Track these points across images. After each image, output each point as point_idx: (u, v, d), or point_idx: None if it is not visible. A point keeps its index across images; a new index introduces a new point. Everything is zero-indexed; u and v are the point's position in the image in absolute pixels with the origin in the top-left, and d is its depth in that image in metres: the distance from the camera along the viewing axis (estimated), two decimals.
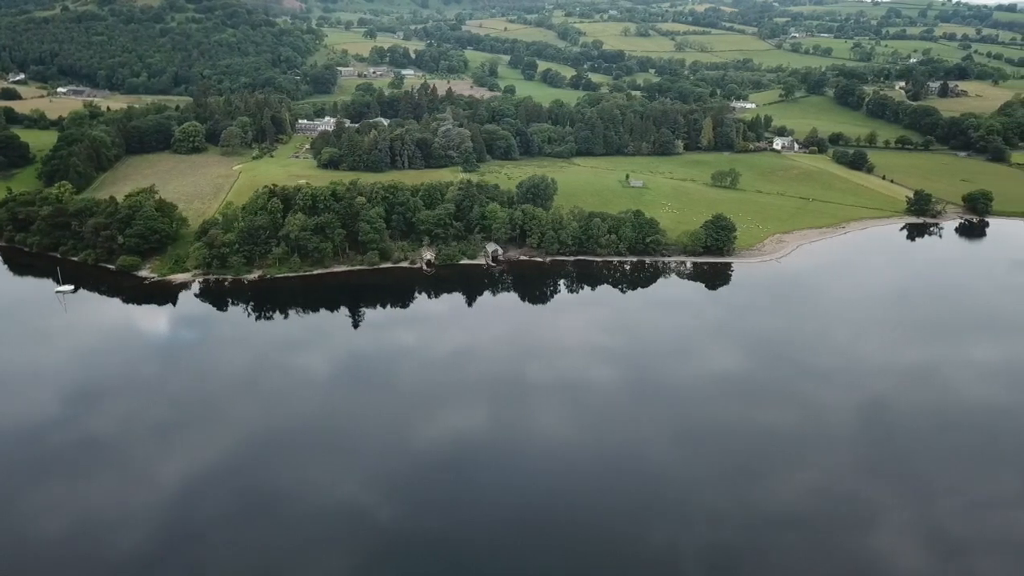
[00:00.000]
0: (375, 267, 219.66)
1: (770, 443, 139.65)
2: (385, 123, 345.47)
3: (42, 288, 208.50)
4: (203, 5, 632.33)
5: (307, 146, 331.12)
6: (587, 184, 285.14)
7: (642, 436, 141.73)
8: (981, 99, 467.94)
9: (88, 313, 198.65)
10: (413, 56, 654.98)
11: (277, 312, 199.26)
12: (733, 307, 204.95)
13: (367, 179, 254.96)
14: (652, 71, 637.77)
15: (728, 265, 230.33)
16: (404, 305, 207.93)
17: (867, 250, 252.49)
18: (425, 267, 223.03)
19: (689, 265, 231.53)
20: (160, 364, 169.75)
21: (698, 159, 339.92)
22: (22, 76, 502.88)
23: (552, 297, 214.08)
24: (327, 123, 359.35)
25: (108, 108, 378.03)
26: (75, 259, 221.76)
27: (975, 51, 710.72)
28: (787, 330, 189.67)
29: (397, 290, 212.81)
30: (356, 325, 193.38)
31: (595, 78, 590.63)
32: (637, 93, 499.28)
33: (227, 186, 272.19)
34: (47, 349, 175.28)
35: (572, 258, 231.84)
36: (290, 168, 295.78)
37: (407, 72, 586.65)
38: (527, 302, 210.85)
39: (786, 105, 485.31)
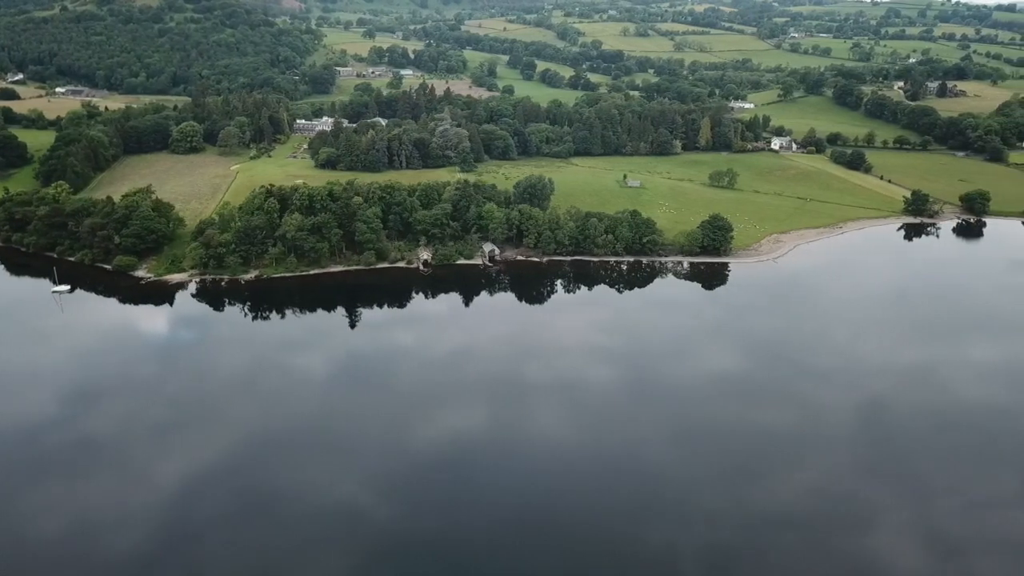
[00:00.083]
0: (372, 267, 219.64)
1: (768, 443, 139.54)
2: (383, 123, 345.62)
3: (38, 288, 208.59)
4: (202, 5, 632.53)
5: (305, 146, 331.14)
6: (585, 184, 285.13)
7: (640, 436, 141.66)
8: (980, 99, 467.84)
9: (84, 313, 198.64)
10: (412, 56, 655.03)
11: (274, 312, 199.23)
12: (730, 307, 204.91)
13: (364, 179, 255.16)
14: (651, 71, 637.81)
15: (725, 265, 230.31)
16: (401, 305, 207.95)
17: (864, 250, 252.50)
18: (422, 267, 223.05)
19: (686, 265, 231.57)
20: (157, 364, 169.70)
21: (696, 159, 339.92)
22: (21, 76, 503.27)
23: (549, 297, 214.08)
24: (325, 123, 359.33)
25: (106, 108, 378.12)
26: (72, 259, 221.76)
27: (974, 51, 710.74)
28: (784, 330, 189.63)
29: (394, 290, 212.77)
30: (353, 325, 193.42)
31: (594, 78, 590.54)
32: (635, 93, 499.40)
33: (224, 186, 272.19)
34: (43, 349, 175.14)
35: (569, 258, 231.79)
36: (288, 168, 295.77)
37: (406, 72, 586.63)
38: (524, 302, 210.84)
39: (784, 105, 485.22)
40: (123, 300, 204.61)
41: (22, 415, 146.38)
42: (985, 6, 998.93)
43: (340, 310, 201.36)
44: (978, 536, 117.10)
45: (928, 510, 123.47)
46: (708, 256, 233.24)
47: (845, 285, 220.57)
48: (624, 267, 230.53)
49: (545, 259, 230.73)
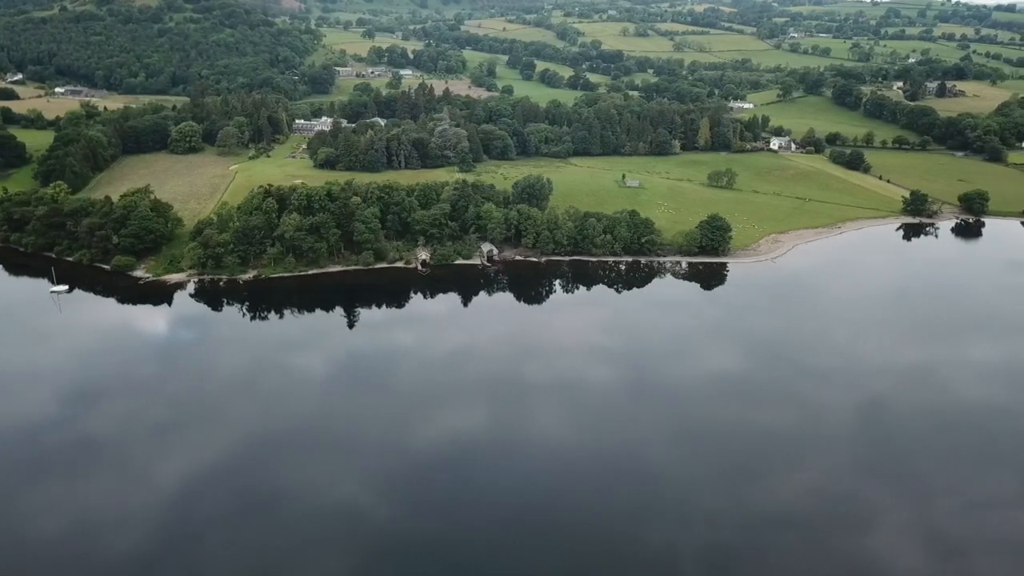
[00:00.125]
0: (370, 267, 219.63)
1: (768, 443, 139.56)
2: (382, 123, 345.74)
3: (36, 288, 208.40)
4: (201, 5, 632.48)
5: (304, 146, 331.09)
6: (583, 184, 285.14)
7: (640, 436, 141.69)
8: (979, 99, 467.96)
9: (82, 313, 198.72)
10: (411, 56, 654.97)
11: (272, 312, 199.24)
12: (728, 307, 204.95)
13: (363, 179, 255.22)
14: (650, 71, 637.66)
15: (723, 265, 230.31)
16: (399, 305, 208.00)
17: (862, 250, 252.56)
18: (420, 267, 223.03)
19: (684, 265, 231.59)
20: (155, 364, 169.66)
21: (695, 159, 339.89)
22: (20, 76, 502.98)
23: (547, 297, 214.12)
24: (324, 123, 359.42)
25: (105, 108, 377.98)
26: (70, 259, 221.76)
27: (974, 51, 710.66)
28: (782, 330, 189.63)
29: (392, 290, 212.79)
30: (351, 325, 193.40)
31: (593, 78, 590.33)
32: (635, 93, 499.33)
33: (223, 186, 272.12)
34: (40, 349, 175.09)
35: (567, 258, 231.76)
36: (286, 168, 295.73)
37: (405, 72, 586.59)
38: (522, 302, 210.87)
39: (784, 105, 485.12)
40: (121, 300, 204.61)
41: (20, 415, 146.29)
42: (985, 6, 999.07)
43: (338, 310, 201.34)
44: (978, 536, 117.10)
45: (928, 510, 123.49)
46: (706, 256, 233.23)
47: (843, 285, 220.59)
48: (622, 267, 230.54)
49: (543, 259, 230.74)
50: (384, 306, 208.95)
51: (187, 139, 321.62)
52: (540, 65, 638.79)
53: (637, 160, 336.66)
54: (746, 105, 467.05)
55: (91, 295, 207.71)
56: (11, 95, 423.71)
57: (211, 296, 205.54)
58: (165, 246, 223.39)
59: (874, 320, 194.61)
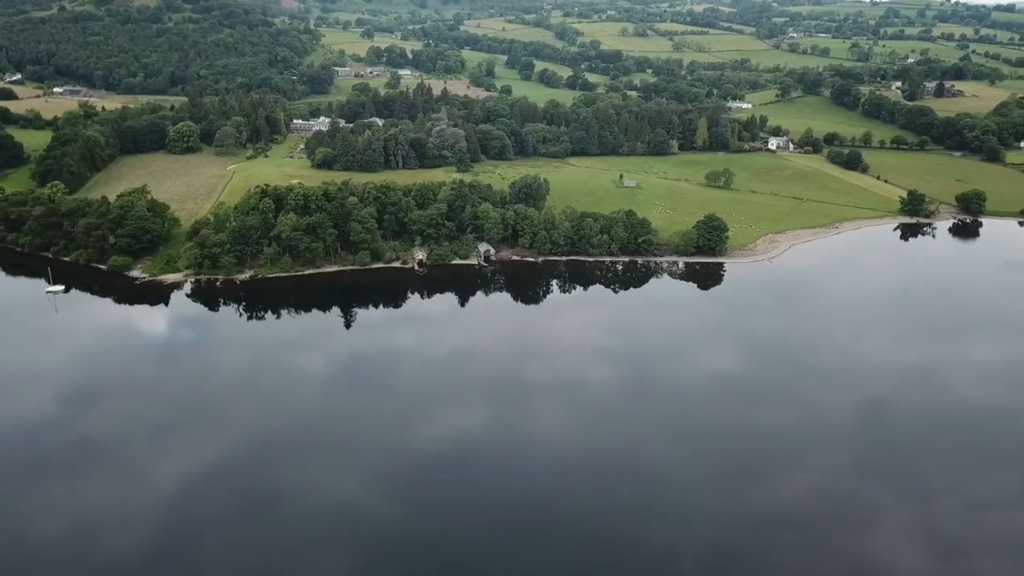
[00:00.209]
0: (367, 267, 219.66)
1: (768, 443, 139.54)
2: (380, 123, 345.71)
3: (33, 288, 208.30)
4: (200, 5, 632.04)
5: (302, 146, 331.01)
6: (581, 184, 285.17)
7: (640, 436, 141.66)
8: (977, 99, 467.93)
9: (78, 313, 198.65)
10: (410, 56, 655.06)
11: (269, 312, 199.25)
12: (725, 307, 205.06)
13: (360, 179, 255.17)
14: (649, 71, 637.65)
15: (720, 265, 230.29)
16: (396, 305, 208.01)
17: (859, 250, 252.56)
18: (417, 267, 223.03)
19: (681, 265, 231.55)
20: (151, 364, 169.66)
21: (693, 159, 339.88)
22: (19, 76, 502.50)
23: (544, 297, 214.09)
24: (322, 123, 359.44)
25: (103, 108, 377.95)
26: (67, 259, 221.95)
27: (973, 51, 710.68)
28: (779, 329, 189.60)
29: (389, 290, 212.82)
30: (348, 325, 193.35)
31: (592, 78, 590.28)
32: (633, 93, 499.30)
33: (221, 186, 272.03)
34: (37, 349, 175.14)
35: (564, 258, 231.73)
36: (284, 168, 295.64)
37: (404, 72, 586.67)
38: (519, 302, 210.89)
39: (782, 105, 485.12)
40: (118, 300, 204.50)
41: (16, 415, 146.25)
42: (984, 6, 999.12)
43: (335, 310, 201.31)
44: (978, 536, 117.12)
45: (929, 510, 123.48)
46: (703, 256, 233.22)
47: (840, 285, 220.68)
48: (619, 267, 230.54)
49: (540, 259, 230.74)
50: (381, 306, 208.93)
51: (185, 139, 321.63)
52: (539, 65, 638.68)
53: (635, 160, 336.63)
54: (744, 105, 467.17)
55: (87, 295, 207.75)
56: (9, 95, 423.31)
57: (208, 296, 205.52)
58: (162, 246, 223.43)
59: (872, 320, 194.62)
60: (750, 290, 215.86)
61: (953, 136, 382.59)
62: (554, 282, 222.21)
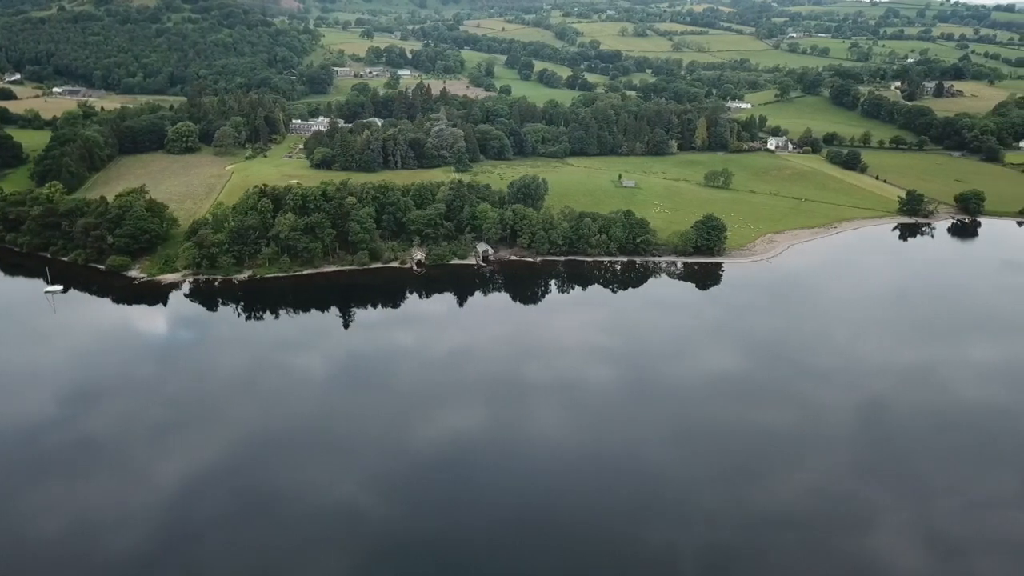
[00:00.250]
0: (365, 267, 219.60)
1: (767, 443, 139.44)
2: (379, 123, 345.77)
3: (31, 288, 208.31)
4: (199, 5, 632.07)
5: (300, 146, 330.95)
6: (579, 184, 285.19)
7: (639, 436, 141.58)
8: (976, 99, 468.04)
9: (77, 313, 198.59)
10: (410, 56, 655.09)
11: (267, 312, 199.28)
12: (723, 307, 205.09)
13: (359, 179, 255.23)
14: (649, 71, 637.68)
15: (718, 265, 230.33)
16: (395, 305, 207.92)
17: (858, 250, 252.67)
18: (415, 267, 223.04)
19: (679, 265, 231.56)
20: (150, 364, 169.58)
21: (691, 159, 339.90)
22: (18, 76, 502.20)
23: (543, 297, 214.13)
24: (321, 123, 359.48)
25: (102, 108, 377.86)
26: (65, 259, 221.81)
27: (972, 51, 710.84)
28: (778, 329, 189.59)
29: (387, 290, 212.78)
30: (347, 325, 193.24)
31: (591, 78, 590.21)
32: (632, 93, 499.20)
33: (219, 186, 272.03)
34: (35, 349, 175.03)
35: (562, 258, 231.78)
36: (283, 168, 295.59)
37: (403, 72, 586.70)
38: (518, 302, 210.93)
39: (781, 105, 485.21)
40: (116, 300, 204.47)
41: (14, 415, 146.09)
42: (984, 6, 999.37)
43: (334, 310, 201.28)
44: (978, 536, 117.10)
45: (928, 510, 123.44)
46: (702, 256, 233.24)
47: (839, 285, 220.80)
48: (618, 267, 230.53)
49: (539, 259, 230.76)
50: (379, 306, 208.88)
51: (184, 139, 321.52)
52: (538, 65, 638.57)
53: (634, 160, 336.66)
54: (744, 105, 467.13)
55: (86, 295, 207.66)
56: (9, 95, 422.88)
57: (206, 296, 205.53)
58: (160, 246, 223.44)
59: (870, 320, 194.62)
60: (748, 290, 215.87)
61: (952, 136, 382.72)
62: (552, 282, 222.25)
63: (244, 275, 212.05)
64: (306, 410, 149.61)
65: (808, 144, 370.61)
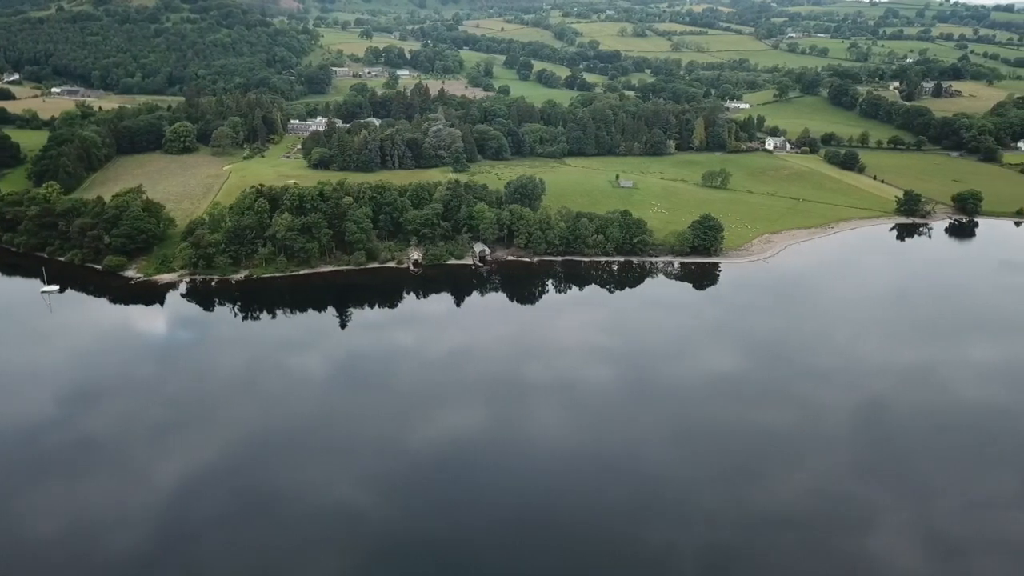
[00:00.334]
0: (362, 267, 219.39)
1: (767, 443, 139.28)
2: (377, 123, 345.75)
3: (28, 288, 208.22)
4: (198, 5, 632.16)
5: (298, 146, 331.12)
6: (577, 184, 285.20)
7: (639, 436, 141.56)
8: (975, 99, 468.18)
9: (73, 313, 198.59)
10: (408, 56, 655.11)
11: (264, 312, 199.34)
12: (720, 307, 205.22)
13: (356, 179, 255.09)
14: (648, 71, 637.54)
15: (715, 265, 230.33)
16: (392, 305, 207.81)
17: (855, 250, 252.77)
18: (412, 267, 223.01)
19: (676, 265, 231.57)
20: (146, 364, 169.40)
21: (689, 159, 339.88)
22: (16, 76, 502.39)
23: (540, 297, 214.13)
24: (319, 123, 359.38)
25: (100, 108, 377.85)
26: (62, 259, 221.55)
27: (972, 51, 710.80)
28: (775, 329, 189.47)
29: (384, 290, 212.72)
30: (344, 325, 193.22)
31: (590, 78, 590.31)
32: (631, 93, 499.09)
33: (217, 186, 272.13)
34: (31, 350, 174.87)
35: (560, 258, 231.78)
36: (280, 168, 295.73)
37: (402, 72, 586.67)
38: (515, 302, 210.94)
39: (780, 105, 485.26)
40: (112, 300, 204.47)
41: (11, 415, 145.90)
42: (983, 6, 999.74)
43: (331, 310, 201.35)
44: (978, 536, 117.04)
45: (928, 510, 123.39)
46: (699, 256, 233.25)
47: (835, 285, 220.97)
48: (615, 267, 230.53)
49: (536, 259, 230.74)
50: (376, 306, 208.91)
51: (181, 139, 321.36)
52: (537, 65, 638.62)
53: (632, 160, 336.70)
54: (742, 105, 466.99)
55: (82, 295, 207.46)
56: (7, 95, 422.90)
57: (203, 296, 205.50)
58: (157, 246, 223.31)
59: (868, 319, 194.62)
60: (745, 290, 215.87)
61: (950, 136, 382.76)
62: (549, 282, 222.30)
63: (241, 275, 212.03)
64: (304, 410, 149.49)
65: (806, 144, 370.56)
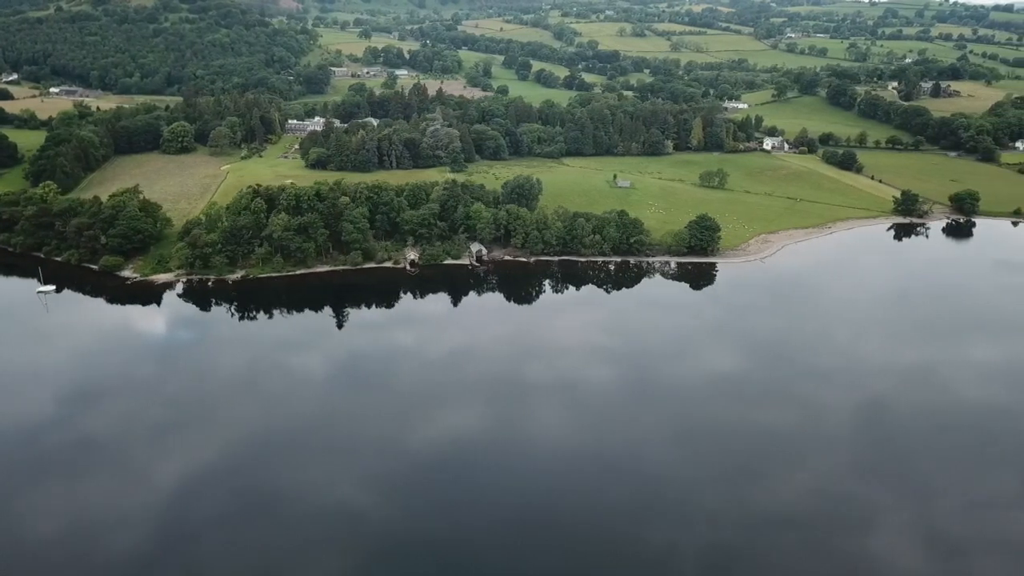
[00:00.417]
0: (358, 267, 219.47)
1: (766, 443, 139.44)
2: (374, 123, 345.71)
3: (24, 288, 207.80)
4: (197, 5, 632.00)
5: (296, 146, 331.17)
6: (574, 184, 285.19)
7: (639, 436, 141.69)
8: (973, 99, 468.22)
9: (69, 313, 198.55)
10: (407, 56, 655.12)
11: (261, 312, 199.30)
12: (716, 306, 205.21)
13: (353, 179, 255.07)
14: (647, 71, 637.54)
15: (712, 265, 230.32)
16: (388, 305, 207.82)
17: (852, 250, 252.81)
18: (409, 267, 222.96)
19: (673, 265, 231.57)
20: (142, 364, 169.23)
21: (687, 159, 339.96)
22: (15, 76, 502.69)
23: (537, 297, 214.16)
24: (317, 123, 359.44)
25: (98, 108, 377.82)
26: (58, 259, 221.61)
27: (971, 51, 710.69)
28: (772, 329, 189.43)
29: (381, 290, 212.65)
30: (340, 325, 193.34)
31: (589, 78, 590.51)
32: (629, 93, 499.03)
33: (214, 186, 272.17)
34: (27, 349, 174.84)
35: (556, 258, 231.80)
36: (278, 168, 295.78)
37: (401, 72, 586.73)
38: (512, 302, 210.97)
39: (778, 105, 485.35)
40: (109, 300, 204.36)
41: (8, 415, 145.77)
42: (983, 6, 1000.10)
43: (327, 310, 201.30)
44: (978, 536, 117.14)
45: (929, 510, 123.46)
46: (695, 256, 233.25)
47: (831, 284, 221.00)
48: (611, 267, 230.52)
49: (532, 259, 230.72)
50: (373, 306, 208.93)
51: (179, 139, 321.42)
52: (536, 65, 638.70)
53: (630, 160, 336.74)
54: (741, 105, 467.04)
55: (79, 295, 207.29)
56: (5, 95, 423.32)
57: (199, 296, 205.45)
58: (153, 246, 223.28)
59: (865, 319, 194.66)
60: (743, 290, 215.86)
61: (948, 136, 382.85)
62: (546, 282, 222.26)
63: (237, 275, 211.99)
64: (302, 410, 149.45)
65: (804, 144, 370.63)
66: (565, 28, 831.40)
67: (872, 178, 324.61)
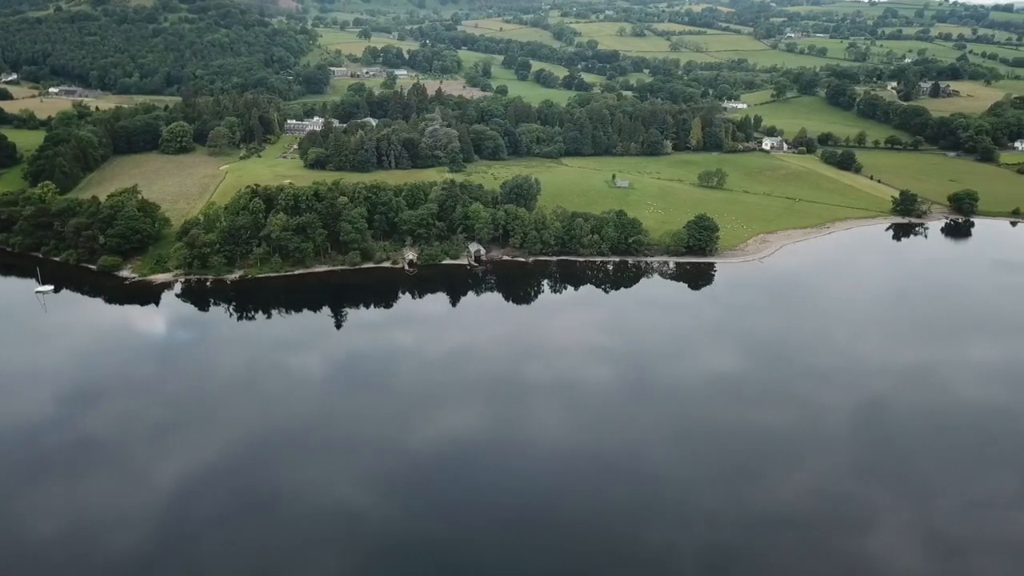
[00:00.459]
0: (357, 267, 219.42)
1: (766, 443, 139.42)
2: (373, 123, 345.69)
3: (22, 288, 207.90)
4: (196, 5, 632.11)
5: (295, 146, 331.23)
6: (573, 184, 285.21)
7: (639, 436, 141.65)
8: (972, 99, 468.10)
9: (68, 313, 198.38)
10: (407, 56, 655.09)
11: (259, 312, 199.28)
12: (714, 306, 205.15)
13: (352, 179, 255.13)
14: (646, 71, 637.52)
15: (711, 265, 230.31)
16: (387, 305, 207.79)
17: (850, 250, 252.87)
18: (407, 267, 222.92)
19: (672, 265, 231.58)
20: (141, 364, 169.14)
21: (686, 159, 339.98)
22: (14, 76, 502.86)
23: (535, 297, 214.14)
24: (316, 123, 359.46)
25: (98, 108, 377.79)
26: (57, 259, 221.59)
27: (970, 51, 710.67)
28: (770, 329, 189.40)
29: (379, 290, 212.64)
30: (339, 325, 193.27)
31: (588, 78, 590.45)
32: (628, 93, 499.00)
33: (213, 186, 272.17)
34: (25, 349, 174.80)
35: (555, 258, 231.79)
36: (277, 168, 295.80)
37: (400, 72, 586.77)
38: (510, 302, 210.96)
39: (778, 105, 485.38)
40: (107, 300, 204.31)
41: (6, 415, 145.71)
42: (982, 6, 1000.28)
43: (326, 310, 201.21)
44: (977, 536, 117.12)
45: (927, 510, 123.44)
46: (694, 256, 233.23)
47: (829, 284, 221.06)
48: (610, 267, 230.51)
49: (531, 259, 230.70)
50: (372, 306, 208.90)
51: (178, 139, 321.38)
52: (536, 65, 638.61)
53: (628, 160, 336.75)
54: (740, 105, 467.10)
55: (77, 295, 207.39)
56: (4, 95, 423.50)
57: (198, 296, 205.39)
58: (152, 246, 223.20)
59: (864, 319, 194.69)
60: (741, 290, 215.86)
61: (947, 136, 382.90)
62: (544, 282, 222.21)
63: (235, 275, 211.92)
64: (301, 409, 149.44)
65: (803, 144, 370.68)
66: (565, 28, 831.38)
67: (871, 178, 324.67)
